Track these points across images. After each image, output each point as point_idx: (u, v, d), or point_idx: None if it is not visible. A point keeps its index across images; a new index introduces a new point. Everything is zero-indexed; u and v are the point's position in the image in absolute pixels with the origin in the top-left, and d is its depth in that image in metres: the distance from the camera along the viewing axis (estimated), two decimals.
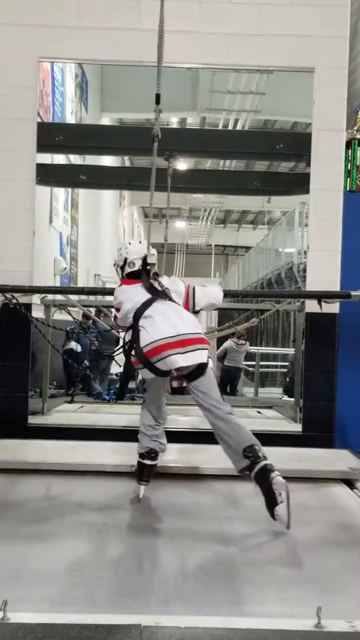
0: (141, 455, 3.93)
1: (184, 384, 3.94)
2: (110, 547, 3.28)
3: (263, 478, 3.44)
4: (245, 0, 5.42)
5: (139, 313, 3.70)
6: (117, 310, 3.90)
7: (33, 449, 4.75)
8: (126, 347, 3.81)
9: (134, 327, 3.71)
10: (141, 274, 3.86)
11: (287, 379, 9.15)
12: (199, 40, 5.43)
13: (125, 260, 3.95)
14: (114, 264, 4.11)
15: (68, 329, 7.14)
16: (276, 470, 3.47)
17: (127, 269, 3.94)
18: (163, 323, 3.65)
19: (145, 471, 3.92)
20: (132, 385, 8.17)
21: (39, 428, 5.41)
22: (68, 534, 3.37)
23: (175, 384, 3.96)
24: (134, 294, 3.80)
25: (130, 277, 3.92)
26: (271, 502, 3.40)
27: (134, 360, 3.76)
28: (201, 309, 4.09)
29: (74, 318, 6.74)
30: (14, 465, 4.36)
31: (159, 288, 3.79)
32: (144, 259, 3.88)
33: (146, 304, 3.72)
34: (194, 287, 4.03)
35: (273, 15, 5.43)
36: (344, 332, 5.39)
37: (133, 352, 3.71)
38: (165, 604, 2.61)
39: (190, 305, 3.96)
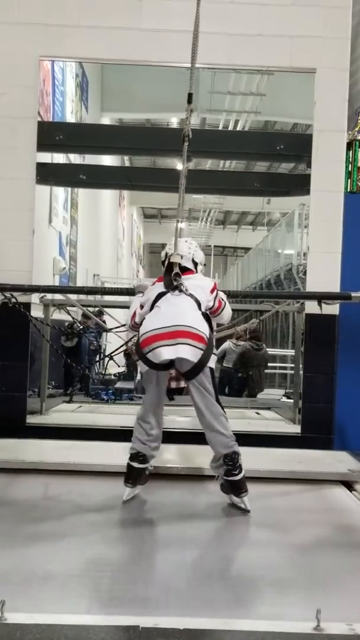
0: (130, 457, 3.87)
1: (182, 385, 3.95)
2: (108, 548, 3.27)
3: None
4: (246, 1, 5.41)
5: (152, 305, 3.81)
6: (141, 307, 3.95)
7: (31, 449, 4.74)
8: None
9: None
10: (165, 271, 3.92)
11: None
12: (199, 40, 5.40)
13: (166, 255, 4.02)
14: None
15: (66, 325, 7.14)
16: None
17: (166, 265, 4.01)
18: (164, 313, 3.70)
19: (133, 474, 3.86)
20: (130, 385, 8.17)
21: (37, 428, 5.40)
22: (66, 534, 3.35)
23: (173, 384, 3.97)
24: (157, 290, 3.88)
25: (165, 272, 3.97)
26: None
27: (133, 351, 3.83)
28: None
29: (72, 318, 6.73)
30: (12, 465, 4.35)
31: (175, 283, 3.80)
32: (167, 257, 3.95)
33: (159, 296, 3.81)
34: (225, 303, 4.05)
35: (274, 15, 5.42)
36: (343, 333, 5.38)
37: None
38: (164, 605, 2.59)
39: (215, 315, 4.00)
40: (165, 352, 3.61)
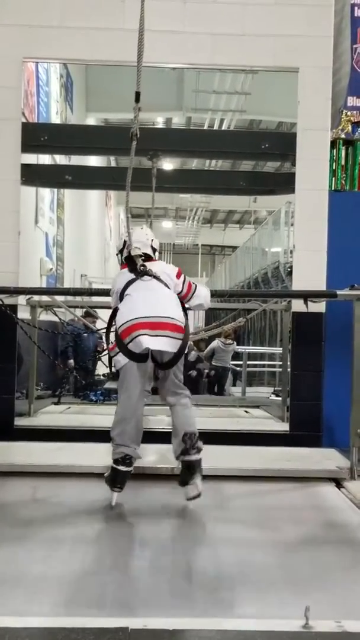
0: (115, 461, 3.74)
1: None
2: (97, 550, 3.26)
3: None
4: (229, 0, 5.41)
5: (122, 293, 3.80)
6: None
7: (19, 451, 4.72)
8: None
9: (116, 308, 3.82)
10: (129, 259, 3.93)
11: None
12: (183, 40, 5.41)
13: (125, 243, 4.03)
14: (117, 250, 4.24)
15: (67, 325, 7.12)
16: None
17: (125, 253, 4.01)
18: (140, 301, 3.70)
19: (119, 478, 3.73)
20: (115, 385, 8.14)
21: (25, 430, 5.36)
22: (54, 537, 3.34)
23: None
24: (125, 277, 3.87)
25: (127, 261, 3.98)
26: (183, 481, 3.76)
27: (111, 346, 3.84)
28: (189, 309, 4.13)
29: (60, 319, 6.71)
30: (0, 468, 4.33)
31: (140, 269, 3.82)
32: (126, 245, 3.95)
33: (128, 284, 3.80)
34: (196, 285, 4.07)
35: (257, 15, 5.42)
36: (330, 331, 5.39)
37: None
38: (153, 606, 2.59)
39: (187, 299, 4.00)
40: (147, 341, 3.60)
